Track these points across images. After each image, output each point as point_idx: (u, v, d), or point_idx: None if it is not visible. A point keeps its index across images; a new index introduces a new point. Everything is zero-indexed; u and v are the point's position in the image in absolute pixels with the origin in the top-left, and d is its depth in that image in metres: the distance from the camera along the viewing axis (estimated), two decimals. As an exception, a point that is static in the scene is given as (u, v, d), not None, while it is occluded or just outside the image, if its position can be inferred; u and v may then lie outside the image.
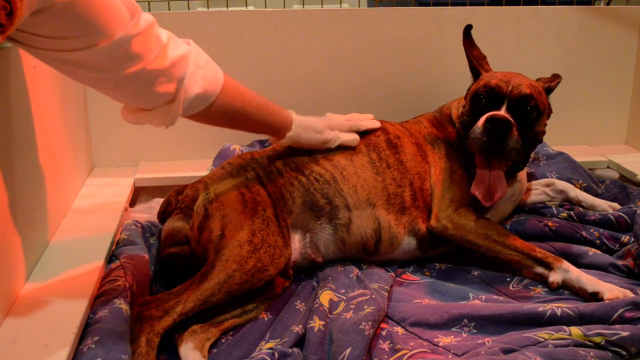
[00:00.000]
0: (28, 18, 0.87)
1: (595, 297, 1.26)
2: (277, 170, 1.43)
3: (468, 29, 1.56)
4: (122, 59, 0.99)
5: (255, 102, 1.27)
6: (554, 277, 1.33)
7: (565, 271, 1.33)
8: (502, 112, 1.39)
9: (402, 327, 1.23)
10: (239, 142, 1.91)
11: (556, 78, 1.54)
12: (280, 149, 1.47)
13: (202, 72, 1.13)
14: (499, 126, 1.36)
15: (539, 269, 1.36)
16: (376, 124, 1.54)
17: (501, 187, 1.41)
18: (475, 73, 1.55)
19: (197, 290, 1.18)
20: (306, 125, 1.40)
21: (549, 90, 1.50)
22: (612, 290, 1.24)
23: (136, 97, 1.08)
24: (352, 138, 1.49)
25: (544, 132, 1.47)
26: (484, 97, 1.44)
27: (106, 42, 0.96)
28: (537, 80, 1.52)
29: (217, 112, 1.19)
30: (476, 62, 1.55)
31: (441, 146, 1.56)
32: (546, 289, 1.34)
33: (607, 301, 1.22)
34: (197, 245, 1.32)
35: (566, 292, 1.32)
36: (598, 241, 1.52)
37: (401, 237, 1.45)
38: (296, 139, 1.39)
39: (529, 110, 1.41)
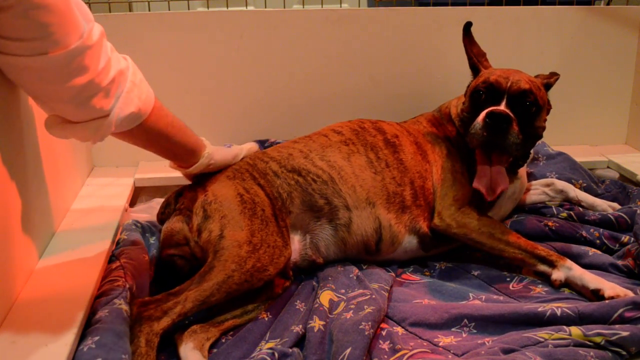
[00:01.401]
0: None
1: (596, 294, 1.26)
2: (273, 171, 1.43)
3: (468, 26, 1.56)
4: (73, 69, 0.98)
5: (175, 124, 1.27)
6: (557, 275, 1.34)
7: (569, 269, 1.33)
8: (502, 107, 1.40)
9: (402, 327, 1.23)
10: (239, 142, 1.90)
11: (554, 75, 1.55)
12: (207, 168, 1.42)
13: (137, 90, 1.12)
14: (499, 121, 1.37)
15: (542, 267, 1.37)
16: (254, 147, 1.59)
17: (503, 180, 1.41)
18: (475, 70, 1.55)
19: (196, 291, 1.18)
20: (216, 147, 1.41)
21: (547, 87, 1.51)
22: (614, 288, 1.25)
23: (72, 110, 1.06)
24: (252, 146, 1.56)
25: (543, 128, 1.48)
26: (483, 92, 1.44)
27: (60, 51, 0.95)
28: (536, 77, 1.52)
29: (143, 132, 1.19)
30: (476, 59, 1.55)
31: (441, 145, 1.56)
32: (546, 289, 1.34)
33: (607, 299, 1.22)
34: (196, 246, 1.32)
35: (566, 291, 1.32)
36: (598, 241, 1.52)
37: (402, 236, 1.45)
38: (212, 157, 1.38)
39: (529, 105, 1.41)
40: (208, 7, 1.98)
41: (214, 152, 1.39)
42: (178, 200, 1.40)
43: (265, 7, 1.97)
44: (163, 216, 1.43)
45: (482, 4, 2.03)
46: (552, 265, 1.36)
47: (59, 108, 1.07)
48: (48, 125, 1.12)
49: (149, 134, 1.21)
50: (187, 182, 1.47)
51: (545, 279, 1.37)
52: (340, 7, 2.02)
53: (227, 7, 1.97)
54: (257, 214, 1.32)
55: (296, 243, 1.40)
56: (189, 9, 1.96)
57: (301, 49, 1.93)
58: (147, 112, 1.16)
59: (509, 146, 1.38)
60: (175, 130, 1.27)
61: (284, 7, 2.01)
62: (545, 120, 1.49)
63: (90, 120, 1.07)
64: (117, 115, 1.08)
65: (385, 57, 1.96)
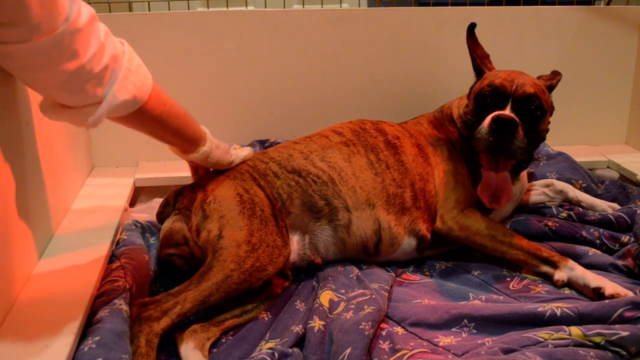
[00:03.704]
0: None
1: (597, 292, 1.27)
2: (273, 172, 1.43)
3: (472, 27, 1.56)
4: (61, 55, 0.94)
5: (175, 112, 1.23)
6: (560, 276, 1.34)
7: (571, 269, 1.34)
8: (507, 111, 1.39)
9: (402, 327, 1.23)
10: (239, 142, 1.91)
11: (557, 75, 1.54)
12: (202, 162, 1.39)
13: (133, 77, 1.08)
14: (505, 126, 1.36)
15: (545, 268, 1.37)
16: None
17: (507, 190, 1.41)
18: (479, 72, 1.55)
19: (195, 291, 1.18)
20: (216, 144, 1.37)
21: (551, 88, 1.50)
22: (614, 287, 1.25)
23: (65, 95, 1.02)
24: (247, 153, 1.49)
25: (547, 130, 1.48)
26: (488, 96, 1.44)
27: (45, 36, 0.90)
28: (538, 78, 1.52)
29: (139, 118, 1.15)
30: (480, 60, 1.54)
31: (443, 148, 1.56)
32: (547, 288, 1.34)
33: (608, 297, 1.23)
34: (195, 246, 1.32)
35: (566, 291, 1.32)
36: (598, 241, 1.52)
37: (401, 238, 1.45)
38: (208, 155, 1.35)
39: (534, 109, 1.41)
40: (208, 7, 1.99)
41: (213, 150, 1.36)
42: (177, 200, 1.40)
43: (265, 7, 1.97)
44: (162, 216, 1.43)
45: (482, 4, 2.03)
46: (555, 266, 1.36)
47: (52, 94, 1.04)
48: (42, 107, 1.09)
49: (144, 120, 1.17)
50: (187, 182, 1.47)
51: (547, 279, 1.37)
52: (340, 7, 2.02)
53: (227, 7, 1.97)
54: (256, 214, 1.32)
55: (295, 243, 1.40)
56: (189, 9, 1.96)
57: (301, 49, 1.93)
58: (144, 99, 1.12)
59: (514, 151, 1.38)
60: (173, 119, 1.23)
61: (284, 7, 2.01)
62: (549, 122, 1.48)
63: (84, 106, 1.04)
64: (110, 103, 1.04)
65: (386, 57, 1.96)
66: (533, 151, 1.49)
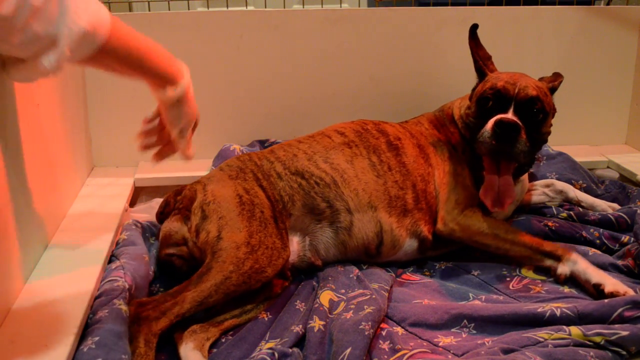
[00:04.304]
0: None
1: (597, 288, 1.27)
2: (277, 173, 1.43)
3: (474, 29, 1.55)
4: None
5: (140, 44, 1.08)
6: (562, 269, 1.35)
7: (574, 263, 1.34)
8: (510, 115, 1.39)
9: (402, 327, 1.23)
10: (239, 142, 1.91)
11: (558, 77, 1.54)
12: (166, 105, 1.19)
13: (83, 3, 0.93)
14: (508, 130, 1.36)
15: (548, 262, 1.38)
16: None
17: (510, 193, 1.41)
18: (481, 73, 1.54)
19: (193, 292, 1.17)
20: (193, 99, 1.21)
21: (552, 90, 1.50)
22: (615, 284, 1.25)
23: (15, 48, 0.90)
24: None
25: (549, 133, 1.47)
26: (490, 99, 1.43)
27: None
28: (540, 79, 1.51)
29: (106, 53, 1.00)
30: (482, 62, 1.54)
31: (443, 148, 1.55)
32: (546, 288, 1.34)
33: (607, 294, 1.23)
34: (195, 247, 1.32)
35: (566, 290, 1.32)
36: (598, 241, 1.52)
37: (403, 240, 1.45)
38: (178, 99, 1.16)
39: (536, 112, 1.41)
40: (208, 7, 1.99)
41: (186, 97, 1.18)
42: (177, 200, 1.40)
43: (265, 7, 1.97)
44: (162, 216, 1.43)
45: (482, 4, 2.03)
46: (558, 259, 1.36)
47: (2, 49, 0.91)
48: (7, 70, 0.99)
49: (111, 56, 1.02)
50: (188, 182, 1.47)
51: (543, 281, 1.37)
52: (340, 7, 2.02)
53: (227, 7, 1.97)
54: (256, 216, 1.32)
55: (295, 245, 1.40)
56: (189, 9, 1.96)
57: (301, 49, 1.93)
58: (105, 31, 0.97)
59: (517, 154, 1.38)
60: (134, 52, 1.06)
61: (284, 7, 2.01)
62: (551, 125, 1.48)
63: (43, 52, 0.91)
64: (68, 36, 0.91)
65: (385, 57, 1.96)
66: (535, 154, 1.49)
